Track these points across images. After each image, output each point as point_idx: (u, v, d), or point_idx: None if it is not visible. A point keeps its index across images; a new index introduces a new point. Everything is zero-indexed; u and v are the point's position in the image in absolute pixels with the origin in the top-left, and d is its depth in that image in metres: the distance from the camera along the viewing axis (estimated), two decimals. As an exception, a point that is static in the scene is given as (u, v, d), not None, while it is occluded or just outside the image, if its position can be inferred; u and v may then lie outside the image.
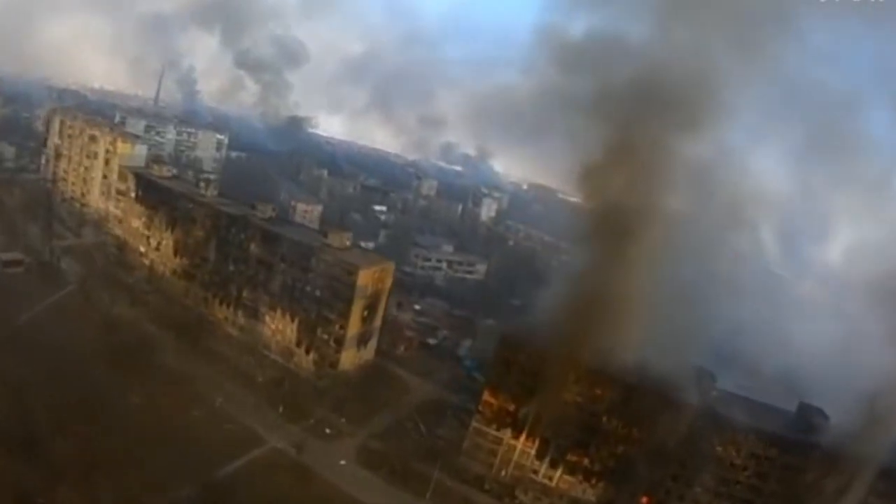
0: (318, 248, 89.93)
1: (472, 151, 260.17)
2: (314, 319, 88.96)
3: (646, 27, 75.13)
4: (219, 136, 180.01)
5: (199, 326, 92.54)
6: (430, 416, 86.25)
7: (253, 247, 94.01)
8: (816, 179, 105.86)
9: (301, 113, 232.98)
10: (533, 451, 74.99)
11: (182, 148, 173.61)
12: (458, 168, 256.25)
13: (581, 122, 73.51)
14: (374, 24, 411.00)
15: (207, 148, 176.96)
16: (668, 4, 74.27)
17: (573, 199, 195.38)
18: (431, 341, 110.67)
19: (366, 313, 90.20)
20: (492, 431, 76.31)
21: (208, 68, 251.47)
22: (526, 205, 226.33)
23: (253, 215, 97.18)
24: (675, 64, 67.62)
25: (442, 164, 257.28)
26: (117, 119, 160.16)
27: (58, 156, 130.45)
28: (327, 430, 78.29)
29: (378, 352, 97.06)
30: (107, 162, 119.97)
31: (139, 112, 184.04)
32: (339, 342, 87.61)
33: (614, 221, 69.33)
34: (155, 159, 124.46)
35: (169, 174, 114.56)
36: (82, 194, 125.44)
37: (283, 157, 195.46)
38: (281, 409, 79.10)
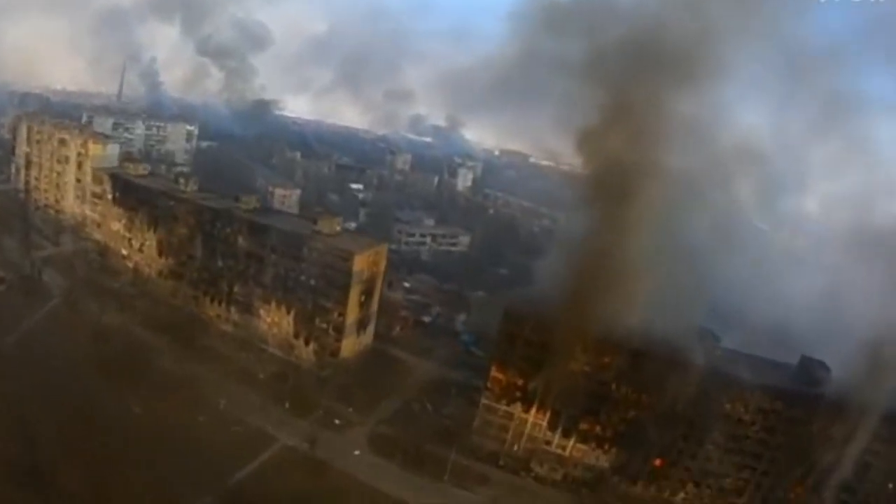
0: (309, 237, 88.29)
1: (441, 122, 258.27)
2: (311, 309, 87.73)
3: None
4: (188, 127, 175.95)
5: (192, 326, 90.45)
6: (435, 395, 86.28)
7: (241, 240, 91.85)
8: (795, 131, 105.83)
9: (267, 96, 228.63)
10: (544, 423, 75.50)
11: (152, 142, 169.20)
12: (429, 139, 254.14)
13: (573, 85, 72.28)
14: (338, 1, 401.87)
15: (178, 140, 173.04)
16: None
17: (545, 163, 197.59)
18: (426, 319, 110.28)
19: (363, 298, 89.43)
20: (502, 407, 76.50)
21: (170, 58, 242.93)
22: (500, 171, 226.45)
23: (237, 207, 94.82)
24: (669, 20, 66.46)
25: (412, 136, 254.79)
26: (84, 119, 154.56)
27: (28, 163, 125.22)
28: (336, 421, 77.66)
29: (376, 336, 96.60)
30: (79, 165, 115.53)
31: (105, 110, 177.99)
32: (339, 330, 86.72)
33: (614, 184, 68.66)
34: (128, 157, 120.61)
35: (145, 171, 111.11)
36: (56, 201, 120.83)
37: (253, 141, 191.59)
38: (287, 405, 78.10)
